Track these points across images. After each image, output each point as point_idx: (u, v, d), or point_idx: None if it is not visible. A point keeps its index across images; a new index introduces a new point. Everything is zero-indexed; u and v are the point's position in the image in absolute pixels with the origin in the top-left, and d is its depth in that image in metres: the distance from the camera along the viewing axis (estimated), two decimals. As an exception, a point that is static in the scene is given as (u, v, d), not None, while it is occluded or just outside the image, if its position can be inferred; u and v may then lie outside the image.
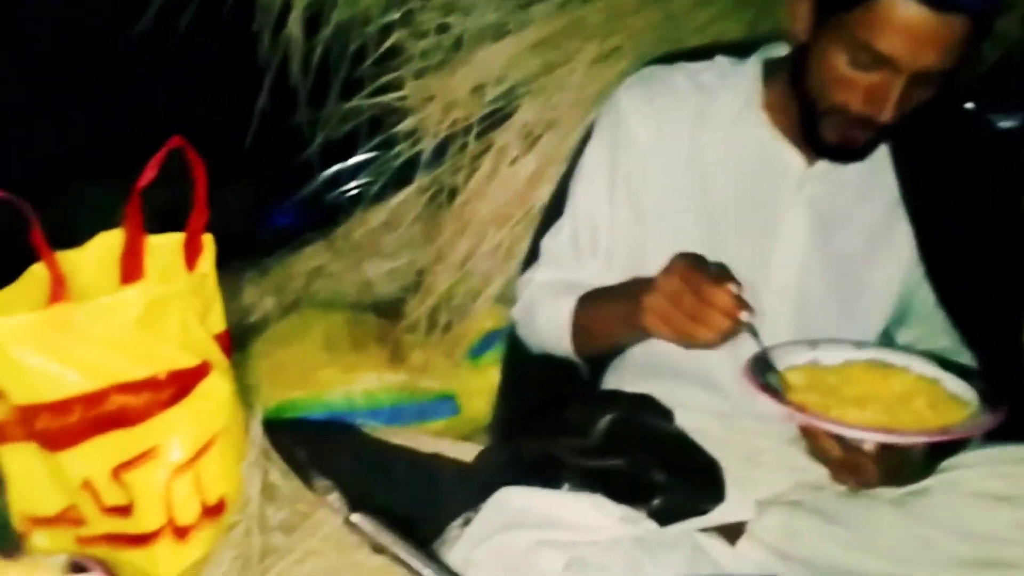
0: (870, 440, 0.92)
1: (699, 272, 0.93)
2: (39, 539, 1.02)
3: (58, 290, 0.94)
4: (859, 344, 1.04)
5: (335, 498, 1.16)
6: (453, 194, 1.50)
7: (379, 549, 1.10)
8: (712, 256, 1.07)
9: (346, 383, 1.48)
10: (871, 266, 1.12)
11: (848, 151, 1.03)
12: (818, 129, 1.01)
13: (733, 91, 1.10)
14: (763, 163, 1.10)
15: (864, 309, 1.11)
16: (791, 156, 1.09)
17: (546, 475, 1.05)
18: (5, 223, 1.05)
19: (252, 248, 1.72)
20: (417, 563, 0.88)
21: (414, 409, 1.49)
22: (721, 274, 0.94)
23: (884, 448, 0.93)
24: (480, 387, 1.45)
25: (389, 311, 1.62)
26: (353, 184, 1.71)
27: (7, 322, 0.92)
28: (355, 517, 0.90)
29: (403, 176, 1.53)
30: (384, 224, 1.62)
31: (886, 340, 1.14)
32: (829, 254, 1.10)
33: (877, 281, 1.12)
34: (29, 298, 1.04)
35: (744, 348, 0.99)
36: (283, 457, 1.16)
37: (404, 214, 1.57)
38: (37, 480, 1.00)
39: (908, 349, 1.09)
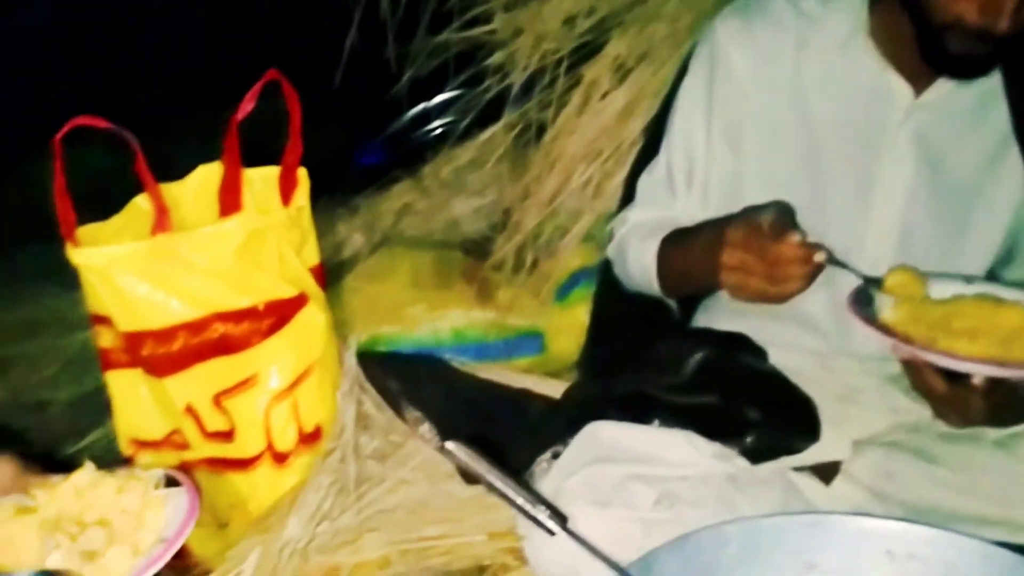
0: (980, 373, 0.89)
1: (757, 234, 0.92)
2: (144, 461, 1.06)
3: (162, 220, 0.96)
4: (968, 278, 1.00)
5: (426, 429, 1.18)
6: (541, 130, 1.48)
7: (470, 479, 1.12)
8: (812, 190, 1.04)
9: (433, 320, 1.50)
10: (979, 200, 1.07)
11: (970, 65, 0.98)
12: (940, 43, 0.96)
13: (837, 18, 1.06)
14: (869, 93, 1.05)
15: (970, 244, 1.07)
16: (898, 86, 1.04)
17: (636, 411, 1.05)
18: (109, 156, 1.08)
19: (340, 186, 1.74)
20: (510, 491, 0.88)
21: (500, 346, 1.50)
22: (781, 225, 0.93)
23: (993, 383, 0.90)
24: (566, 325, 1.45)
25: (476, 249, 1.62)
26: (440, 122, 1.70)
27: (114, 251, 0.96)
28: (450, 444, 0.91)
29: (491, 113, 1.52)
30: (471, 162, 1.61)
31: (992, 279, 1.10)
32: (935, 187, 1.05)
33: (985, 216, 1.07)
34: (132, 229, 1.07)
35: (843, 282, 0.96)
36: (376, 388, 1.19)
37: (491, 151, 1.56)
38: (142, 405, 1.04)
39: (1020, 284, 1.05)
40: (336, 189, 1.73)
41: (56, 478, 0.80)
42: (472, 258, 1.60)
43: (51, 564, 0.72)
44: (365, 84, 1.59)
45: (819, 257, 0.91)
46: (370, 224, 1.67)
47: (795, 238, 0.91)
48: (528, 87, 1.46)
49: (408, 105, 1.69)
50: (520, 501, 0.90)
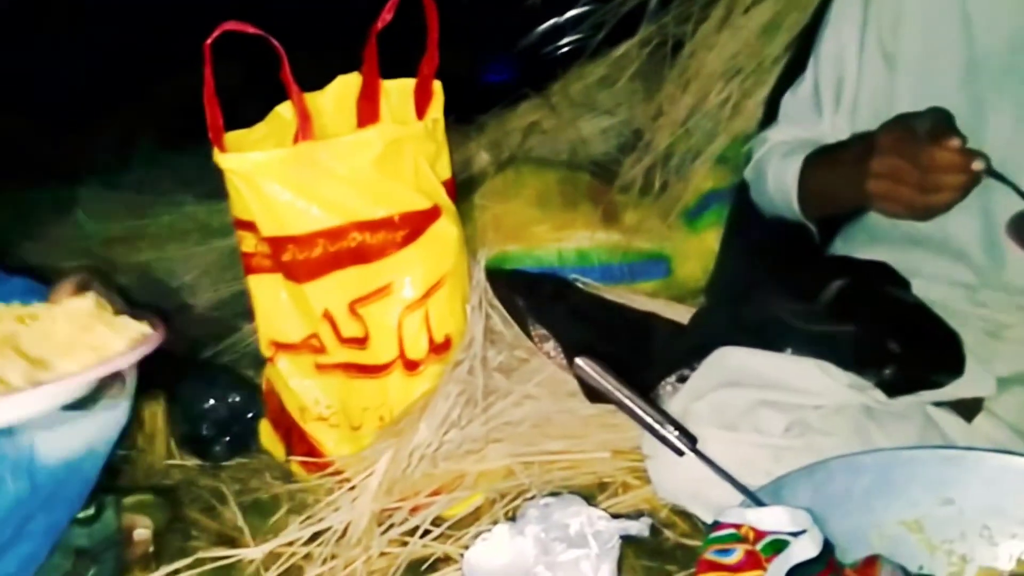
0: None
1: (912, 138, 0.87)
2: (282, 363, 1.10)
3: (305, 128, 0.98)
4: None
5: (551, 346, 1.19)
6: (677, 47, 1.43)
7: (594, 397, 1.13)
8: (971, 106, 0.98)
9: (558, 240, 1.49)
10: None
11: None
12: None
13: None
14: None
15: None
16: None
17: (768, 338, 1.03)
18: (251, 64, 1.10)
19: (467, 104, 1.73)
20: (639, 409, 0.88)
21: (624, 269, 1.49)
22: (938, 130, 0.87)
23: None
24: (695, 249, 1.43)
25: (603, 170, 1.60)
26: (572, 37, 1.67)
27: (259, 157, 0.98)
28: (580, 360, 0.91)
29: (625, 28, 1.48)
30: (602, 79, 1.58)
31: None
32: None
33: None
34: (274, 137, 1.10)
35: (998, 209, 0.91)
36: (502, 304, 1.20)
37: (624, 68, 1.52)
38: (282, 309, 1.07)
39: None
40: (462, 106, 1.72)
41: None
42: (598, 179, 1.58)
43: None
44: (495, -1, 1.57)
45: (977, 165, 0.85)
46: (496, 142, 1.67)
47: (954, 142, 0.85)
48: (666, 1, 1.41)
49: (539, 20, 1.66)
50: (649, 420, 0.90)
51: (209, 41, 0.92)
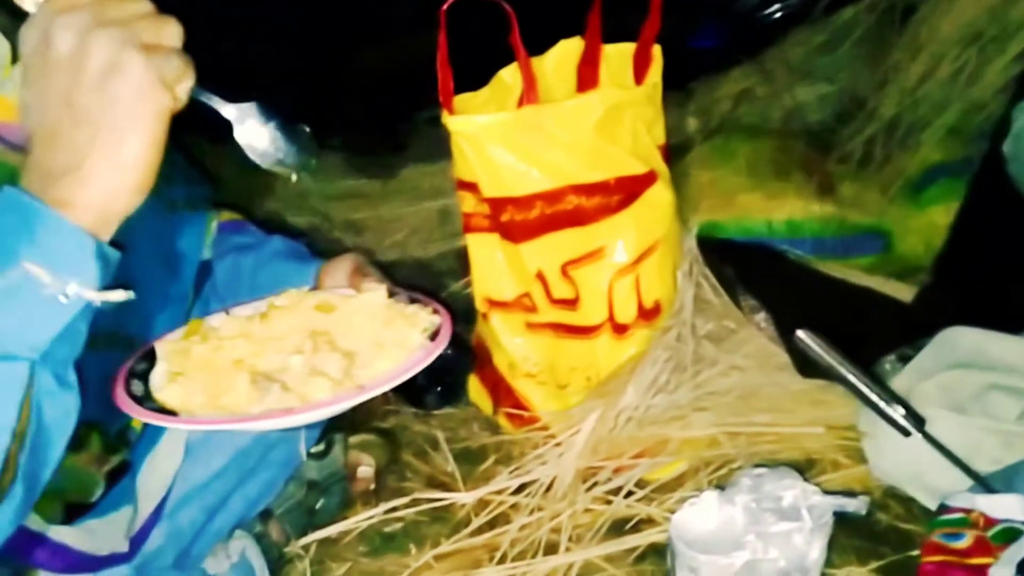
0: None
1: None
2: (495, 320, 1.14)
3: (530, 92, 1.00)
4: None
5: (762, 317, 1.16)
6: (908, 11, 1.35)
7: (807, 371, 1.10)
8: None
9: (768, 210, 1.44)
10: None
11: None
12: None
13: None
14: None
15: None
16: None
17: (1004, 320, 0.97)
18: (475, 30, 1.13)
19: (676, 69, 1.70)
20: (864, 386, 0.86)
21: (837, 242, 1.42)
22: None
23: None
24: (917, 225, 1.35)
25: (818, 140, 1.53)
26: (786, 3, 1.61)
27: (485, 120, 1.01)
28: (802, 333, 0.89)
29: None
30: (823, 44, 1.51)
31: None
32: None
33: None
34: (496, 101, 1.13)
35: None
36: (713, 273, 1.19)
37: (847, 33, 1.45)
38: (497, 267, 1.11)
39: None
40: (670, 72, 1.70)
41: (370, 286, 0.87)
42: (813, 148, 1.52)
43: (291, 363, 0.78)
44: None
45: None
46: (705, 109, 1.63)
47: None
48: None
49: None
50: (875, 398, 0.88)
51: (445, 7, 0.96)
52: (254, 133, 0.71)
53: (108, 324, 0.86)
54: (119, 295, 0.64)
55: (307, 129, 0.74)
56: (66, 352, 0.63)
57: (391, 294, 0.87)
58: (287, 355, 0.78)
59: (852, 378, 0.86)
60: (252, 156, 0.72)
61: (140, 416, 0.73)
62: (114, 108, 0.59)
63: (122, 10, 0.60)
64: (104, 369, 0.84)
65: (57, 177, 0.61)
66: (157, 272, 0.90)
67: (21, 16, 0.66)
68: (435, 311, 0.85)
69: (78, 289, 0.61)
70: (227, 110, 0.71)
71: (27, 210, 0.60)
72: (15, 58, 0.70)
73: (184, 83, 0.62)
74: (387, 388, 0.75)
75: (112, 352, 0.86)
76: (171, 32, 0.62)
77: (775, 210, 1.44)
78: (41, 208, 0.60)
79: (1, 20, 0.69)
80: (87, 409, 0.70)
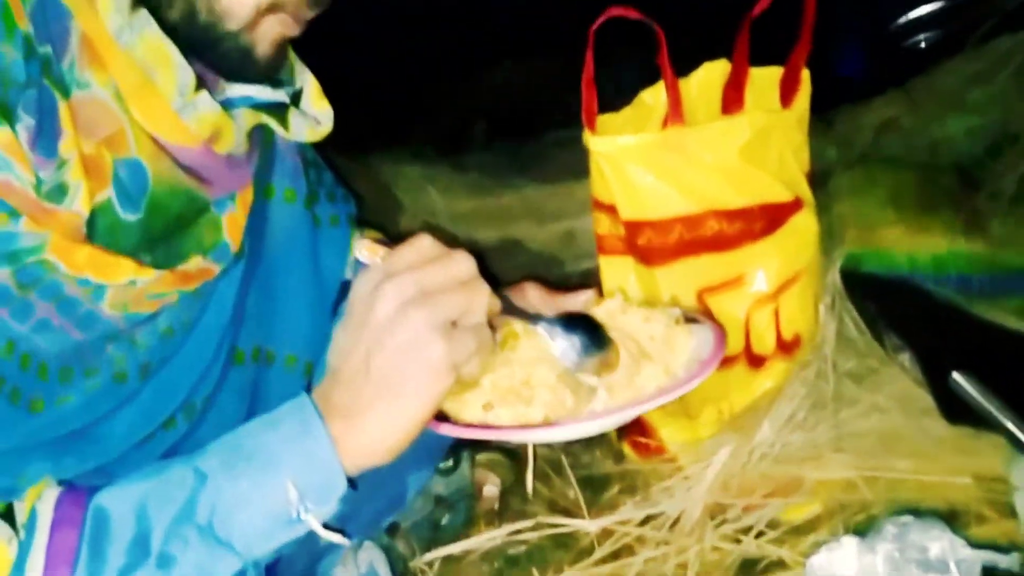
0: None
1: None
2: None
3: (675, 113, 0.99)
4: None
5: (907, 358, 1.11)
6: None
7: (955, 416, 1.04)
8: None
9: (911, 245, 1.38)
10: None
11: None
12: None
13: None
14: None
15: None
16: None
17: None
18: (620, 49, 1.12)
19: (816, 96, 1.66)
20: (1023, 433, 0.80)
21: (986, 281, 1.35)
22: None
23: None
24: (1076, 267, 1.27)
25: (966, 173, 1.46)
26: (941, 30, 1.55)
27: (627, 141, 1.00)
28: (958, 376, 0.84)
29: (1008, 22, 1.34)
30: (975, 75, 1.44)
31: None
32: None
33: None
34: (636, 122, 1.11)
35: None
36: (855, 308, 1.14)
37: (1003, 65, 1.38)
38: (631, 291, 1.09)
39: None
40: (811, 98, 1.65)
41: (582, 297, 0.88)
42: (961, 183, 1.45)
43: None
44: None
45: None
46: (847, 138, 1.58)
47: None
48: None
49: (904, 9, 1.55)
50: (1039, 446, 0.82)
51: (595, 26, 0.95)
52: (566, 348, 0.78)
53: (253, 339, 0.89)
54: (338, 538, 0.69)
55: (609, 340, 0.79)
56: (269, 559, 0.68)
57: None
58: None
59: (1011, 426, 0.81)
60: (564, 361, 0.78)
61: (463, 433, 0.76)
62: (404, 381, 0.66)
63: (445, 274, 0.68)
64: (247, 383, 0.87)
65: (334, 414, 0.68)
66: (302, 288, 0.93)
67: (206, 47, 0.72)
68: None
69: (310, 517, 0.66)
70: (542, 326, 0.78)
71: (309, 426, 0.67)
72: (199, 85, 0.74)
73: (476, 361, 0.69)
74: (688, 389, 0.77)
75: (256, 366, 0.88)
76: (479, 306, 0.69)
77: (919, 245, 1.38)
78: (322, 433, 0.67)
79: (181, 49, 0.73)
80: (233, 420, 0.73)
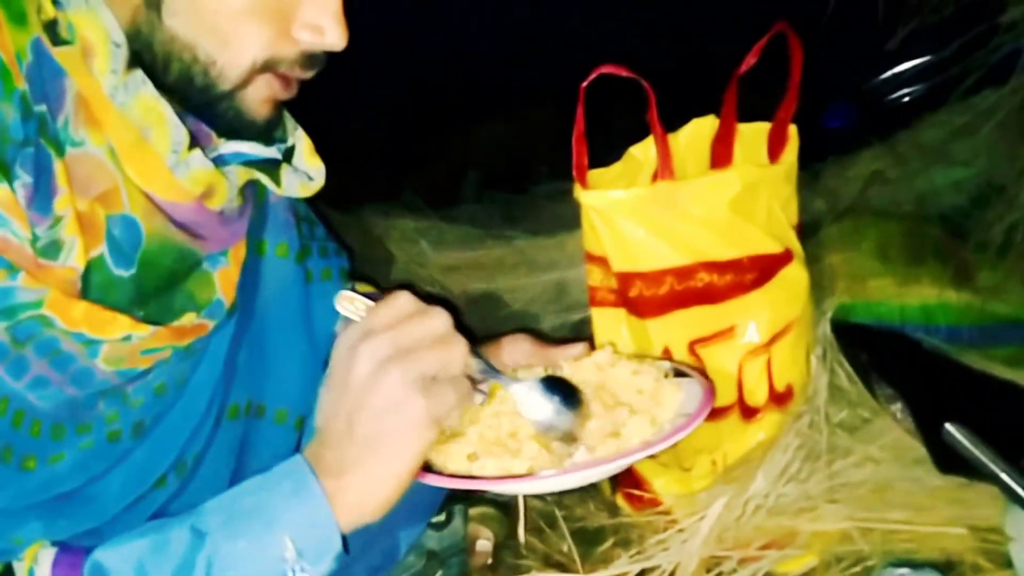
0: None
1: None
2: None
3: (666, 168, 1.00)
4: None
5: (899, 408, 1.11)
6: (1054, 96, 1.30)
7: (948, 467, 1.04)
8: None
9: (900, 296, 1.39)
10: None
11: None
12: None
13: None
14: None
15: None
16: None
17: None
18: (613, 106, 1.14)
19: (803, 150, 1.68)
20: (1018, 484, 0.80)
21: (976, 331, 1.36)
22: None
23: None
24: (1064, 317, 1.28)
25: (953, 225, 1.48)
26: (925, 84, 1.57)
27: (619, 195, 1.01)
28: (951, 427, 0.85)
29: (990, 75, 1.37)
30: (960, 128, 1.47)
31: None
32: None
33: None
34: (627, 177, 1.13)
35: None
36: (847, 359, 1.14)
37: (987, 117, 1.41)
38: (622, 343, 1.09)
39: None
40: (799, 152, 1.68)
41: (573, 350, 0.87)
42: (948, 234, 1.47)
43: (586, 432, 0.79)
44: (846, 38, 1.50)
45: None
46: (833, 190, 1.60)
47: None
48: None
49: (889, 64, 1.58)
50: (1033, 498, 0.82)
51: (586, 83, 0.97)
52: (537, 407, 0.78)
53: (244, 394, 0.89)
54: None
55: (582, 404, 0.80)
56: None
57: None
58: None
59: (1005, 476, 0.81)
60: (537, 425, 0.78)
61: (446, 483, 0.76)
62: (387, 440, 0.68)
63: (421, 330, 0.70)
64: (237, 437, 0.87)
65: (324, 474, 0.69)
66: (294, 343, 0.93)
67: (202, 108, 0.73)
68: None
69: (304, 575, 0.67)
70: (515, 388, 0.79)
71: (306, 485, 0.68)
72: (192, 142, 0.75)
73: (456, 413, 0.71)
74: (681, 437, 0.77)
75: (247, 419, 0.88)
76: (456, 359, 0.71)
77: (908, 296, 1.39)
78: (318, 492, 0.68)
79: (175, 107, 0.74)
80: (222, 475, 0.73)
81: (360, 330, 0.70)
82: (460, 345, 0.71)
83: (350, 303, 0.75)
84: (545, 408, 0.78)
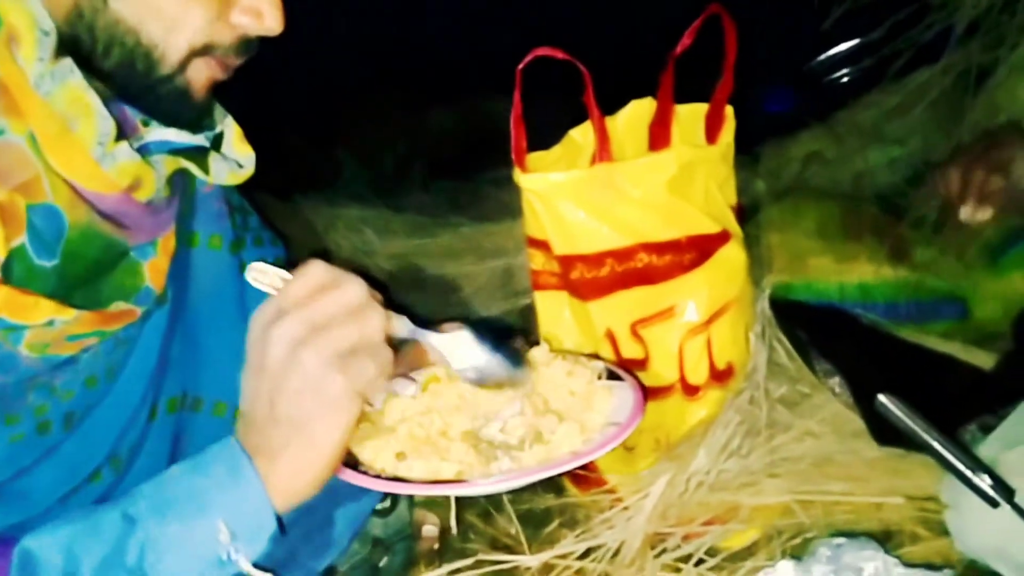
0: None
1: None
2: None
3: (604, 150, 1.00)
4: None
5: (837, 382, 1.13)
6: (985, 74, 1.33)
7: (884, 439, 1.06)
8: None
9: (839, 273, 1.42)
10: None
11: None
12: None
13: None
14: None
15: None
16: None
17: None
18: (553, 88, 1.14)
19: (743, 132, 1.70)
20: (949, 453, 0.82)
21: (913, 307, 1.39)
22: None
23: None
24: (997, 291, 1.31)
25: (889, 203, 1.51)
26: (861, 65, 1.60)
27: (558, 178, 1.01)
28: (884, 398, 0.86)
29: (924, 54, 1.39)
30: (895, 108, 1.50)
31: None
32: None
33: None
34: (567, 160, 1.13)
35: None
36: (786, 336, 1.16)
37: (921, 97, 1.43)
38: (565, 326, 1.10)
39: None
40: (737, 135, 1.70)
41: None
42: (884, 212, 1.50)
43: (509, 426, 0.78)
44: (782, 21, 1.53)
45: None
46: (774, 172, 1.62)
47: None
48: (973, 27, 1.32)
49: (826, 46, 1.60)
50: (961, 466, 0.84)
51: (521, 66, 0.97)
52: (470, 357, 0.77)
53: (179, 386, 0.88)
54: None
55: (520, 344, 0.80)
56: None
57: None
58: (503, 419, 0.79)
59: (937, 445, 0.83)
60: (470, 379, 0.77)
61: (370, 484, 0.74)
62: (310, 420, 0.67)
63: (335, 304, 0.68)
64: (174, 431, 0.85)
65: (255, 455, 0.68)
66: (229, 334, 0.92)
67: (142, 92, 0.71)
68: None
69: (240, 557, 0.66)
70: (441, 341, 0.76)
71: (239, 467, 0.67)
72: (119, 135, 0.74)
73: (379, 386, 0.69)
74: (608, 450, 0.76)
75: (184, 413, 0.87)
76: (373, 330, 0.69)
77: (847, 273, 1.41)
78: (252, 473, 0.67)
79: (104, 95, 0.73)
80: (159, 469, 0.72)
81: (272, 309, 0.69)
82: (376, 314, 0.69)
83: (262, 275, 0.73)
84: (477, 354, 0.77)
